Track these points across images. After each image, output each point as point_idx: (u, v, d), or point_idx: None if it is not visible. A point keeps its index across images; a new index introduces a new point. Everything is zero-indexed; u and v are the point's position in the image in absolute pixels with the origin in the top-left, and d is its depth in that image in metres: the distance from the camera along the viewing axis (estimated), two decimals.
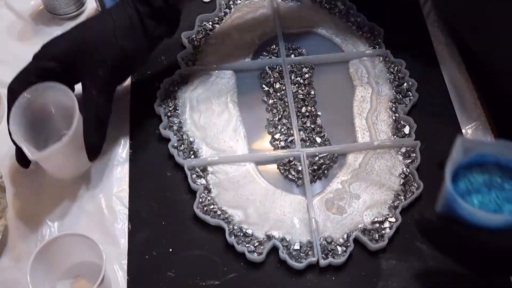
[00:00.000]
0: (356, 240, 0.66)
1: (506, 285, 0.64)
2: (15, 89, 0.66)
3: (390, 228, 0.66)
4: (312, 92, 0.78)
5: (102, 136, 0.68)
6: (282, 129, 0.74)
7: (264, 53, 0.82)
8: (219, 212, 0.68)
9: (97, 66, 0.67)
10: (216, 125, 0.75)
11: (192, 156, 0.72)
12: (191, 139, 0.74)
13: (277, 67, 0.80)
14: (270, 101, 0.77)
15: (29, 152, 0.63)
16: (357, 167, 0.71)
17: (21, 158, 0.67)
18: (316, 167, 0.71)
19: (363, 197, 0.69)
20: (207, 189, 0.70)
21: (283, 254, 0.65)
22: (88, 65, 0.67)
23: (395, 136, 0.73)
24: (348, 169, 0.71)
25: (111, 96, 0.70)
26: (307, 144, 0.73)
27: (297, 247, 0.65)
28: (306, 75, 0.79)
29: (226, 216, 0.68)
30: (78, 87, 0.69)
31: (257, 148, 0.73)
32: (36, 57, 0.67)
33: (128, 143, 0.75)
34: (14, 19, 0.88)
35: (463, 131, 0.75)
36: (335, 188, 0.70)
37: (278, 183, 0.71)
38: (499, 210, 0.56)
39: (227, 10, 0.86)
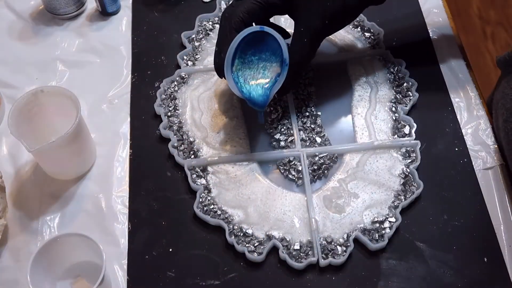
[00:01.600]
0: (356, 240, 0.66)
1: (506, 285, 0.64)
2: (235, 13, 0.67)
3: (390, 228, 0.66)
4: (312, 92, 0.78)
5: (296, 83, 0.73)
6: (282, 129, 0.74)
7: None
8: (219, 212, 0.68)
9: (317, 16, 0.67)
10: (217, 125, 0.75)
11: (192, 156, 0.72)
12: (191, 139, 0.74)
13: None
14: (270, 101, 0.77)
15: (27, 146, 0.63)
16: (354, 166, 0.71)
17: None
18: (316, 167, 0.71)
19: (362, 196, 0.69)
20: (207, 189, 0.70)
21: (283, 254, 0.65)
22: (308, 13, 0.67)
23: (395, 136, 0.73)
24: (345, 168, 0.71)
25: (318, 46, 0.70)
26: (307, 144, 0.73)
27: (297, 247, 0.65)
28: (306, 75, 0.79)
29: (226, 216, 0.68)
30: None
31: (257, 148, 0.73)
32: None
33: (128, 143, 0.75)
34: (14, 19, 0.88)
35: (463, 131, 0.75)
36: (332, 186, 0.70)
37: (278, 183, 0.71)
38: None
39: None
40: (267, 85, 0.69)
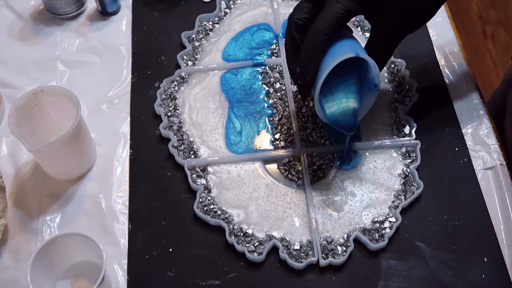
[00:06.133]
0: (356, 240, 0.66)
1: (506, 285, 0.64)
2: (317, 31, 0.61)
3: (390, 228, 0.66)
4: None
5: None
6: (282, 129, 0.74)
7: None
8: (219, 212, 0.68)
9: (395, 20, 0.64)
10: (210, 122, 0.75)
11: (192, 156, 0.72)
12: (191, 139, 0.74)
13: (277, 67, 0.80)
14: (270, 101, 0.77)
15: (27, 146, 0.63)
16: (354, 166, 0.71)
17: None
18: (316, 167, 0.71)
19: (359, 195, 0.69)
20: (207, 189, 0.70)
21: (283, 254, 0.65)
22: (387, 17, 0.64)
23: (395, 136, 0.73)
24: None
25: (395, 48, 0.68)
26: (307, 144, 0.73)
27: (297, 247, 0.65)
28: None
29: (226, 216, 0.68)
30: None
31: (257, 148, 0.73)
32: None
33: (128, 143, 0.75)
34: (14, 19, 0.88)
35: (463, 131, 0.75)
36: (327, 182, 0.70)
37: (278, 183, 0.71)
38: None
39: (227, 10, 0.87)
40: (354, 107, 0.66)
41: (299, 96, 0.74)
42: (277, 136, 0.74)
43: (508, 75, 0.79)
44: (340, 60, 0.60)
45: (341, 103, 0.67)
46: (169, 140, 0.74)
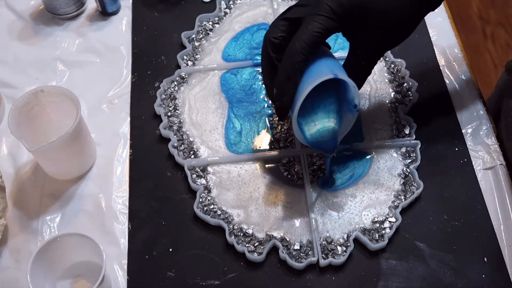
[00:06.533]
0: (356, 240, 0.66)
1: (506, 285, 0.64)
2: (295, 50, 0.59)
3: (390, 228, 0.66)
4: None
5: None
6: (282, 129, 0.74)
7: None
8: (219, 212, 0.68)
9: (374, 39, 0.63)
10: (209, 122, 0.75)
11: (192, 156, 0.72)
12: (191, 139, 0.74)
13: None
14: (270, 101, 0.77)
15: (27, 146, 0.63)
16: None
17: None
18: (316, 167, 0.71)
19: (359, 195, 0.69)
20: (207, 189, 0.70)
21: (283, 254, 0.65)
22: (366, 36, 0.63)
23: (395, 136, 0.73)
24: None
25: (373, 66, 0.66)
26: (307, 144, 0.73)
27: (297, 247, 0.65)
28: None
29: (226, 216, 0.68)
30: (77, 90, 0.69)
31: (257, 148, 0.73)
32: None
33: (128, 143, 0.75)
34: (14, 19, 0.88)
35: (463, 131, 0.75)
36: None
37: (278, 183, 0.70)
38: None
39: (227, 10, 0.87)
40: (334, 127, 0.65)
41: (276, 118, 0.73)
42: (277, 136, 0.74)
43: (501, 82, 0.79)
44: (318, 82, 0.59)
45: (320, 124, 0.65)
46: (169, 140, 0.74)
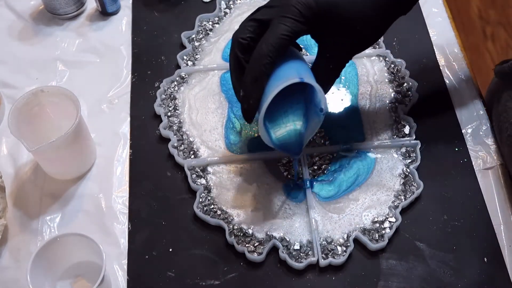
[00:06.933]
0: (356, 240, 0.66)
1: (506, 285, 0.64)
2: (262, 53, 0.59)
3: (390, 228, 0.66)
4: None
5: None
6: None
7: None
8: (219, 212, 0.68)
9: (343, 43, 0.63)
10: (209, 122, 0.75)
11: (192, 156, 0.72)
12: (191, 139, 0.74)
13: None
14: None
15: (27, 146, 0.63)
16: None
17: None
18: (316, 167, 0.71)
19: (361, 198, 0.69)
20: (207, 189, 0.70)
21: (283, 254, 0.65)
22: (335, 40, 0.62)
23: (395, 136, 0.73)
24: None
25: (342, 69, 0.65)
26: (307, 144, 0.73)
27: (297, 247, 0.65)
28: None
29: (226, 216, 0.68)
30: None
31: (257, 148, 0.73)
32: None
33: (128, 143, 0.75)
34: (14, 19, 0.88)
35: (463, 131, 0.75)
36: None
37: (278, 183, 0.70)
38: None
39: (227, 10, 0.87)
40: (300, 130, 0.65)
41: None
42: None
43: (492, 85, 0.79)
44: (284, 86, 0.58)
45: (287, 127, 0.65)
46: (169, 140, 0.74)
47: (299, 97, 0.65)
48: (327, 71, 0.64)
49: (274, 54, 0.58)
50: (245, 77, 0.60)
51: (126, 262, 0.66)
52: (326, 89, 0.65)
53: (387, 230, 0.66)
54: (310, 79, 0.60)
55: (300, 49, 0.67)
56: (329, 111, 0.76)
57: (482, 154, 0.73)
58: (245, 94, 0.60)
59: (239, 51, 0.61)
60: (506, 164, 0.71)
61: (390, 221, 0.67)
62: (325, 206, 0.68)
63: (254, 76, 0.59)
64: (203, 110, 0.76)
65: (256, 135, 0.74)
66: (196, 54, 0.82)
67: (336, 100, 0.77)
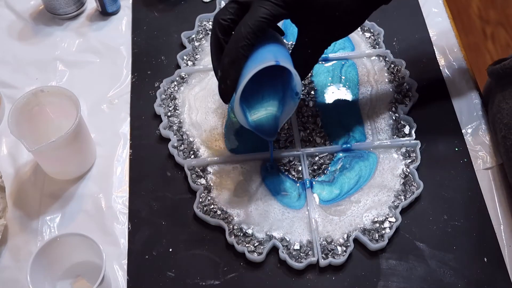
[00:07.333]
0: (356, 240, 0.66)
1: (506, 285, 0.64)
2: (240, 34, 0.60)
3: (390, 228, 0.66)
4: (312, 92, 0.78)
5: None
6: (282, 129, 0.74)
7: None
8: (219, 212, 0.68)
9: (322, 27, 0.63)
10: (209, 122, 0.75)
11: (192, 156, 0.72)
12: (191, 139, 0.74)
13: None
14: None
15: (27, 146, 0.63)
16: None
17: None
18: (316, 167, 0.71)
19: (363, 200, 0.69)
20: (207, 189, 0.70)
21: (283, 254, 0.65)
22: (313, 24, 0.63)
23: (395, 136, 0.73)
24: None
25: (321, 55, 0.66)
26: (307, 144, 0.73)
27: (297, 247, 0.65)
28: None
29: (226, 216, 0.68)
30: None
31: (257, 148, 0.73)
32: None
33: (128, 143, 0.75)
34: (14, 19, 0.88)
35: (463, 131, 0.75)
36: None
37: (278, 183, 0.70)
38: None
39: None
40: (276, 113, 0.66)
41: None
42: (277, 136, 0.74)
43: (488, 85, 0.79)
44: (260, 68, 0.58)
45: (264, 110, 0.66)
46: (169, 140, 0.74)
47: (277, 81, 0.65)
48: (305, 56, 0.65)
49: (252, 36, 0.59)
50: (223, 58, 0.61)
51: (126, 262, 0.66)
52: (303, 74, 0.66)
53: (387, 230, 0.66)
54: (286, 63, 0.60)
55: (283, 33, 0.67)
56: (329, 110, 0.76)
57: (482, 154, 0.73)
58: (222, 74, 0.61)
59: (220, 31, 0.62)
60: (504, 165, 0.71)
61: (390, 221, 0.67)
62: (326, 210, 0.68)
63: (232, 57, 0.60)
64: (203, 110, 0.76)
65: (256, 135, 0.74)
66: (196, 54, 0.82)
67: (337, 100, 0.77)
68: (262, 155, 0.72)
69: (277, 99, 0.66)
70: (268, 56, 0.60)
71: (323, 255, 0.65)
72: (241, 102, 0.62)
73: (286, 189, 0.69)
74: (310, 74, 0.79)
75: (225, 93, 0.62)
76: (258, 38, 0.60)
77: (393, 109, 0.76)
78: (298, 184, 0.70)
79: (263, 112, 0.66)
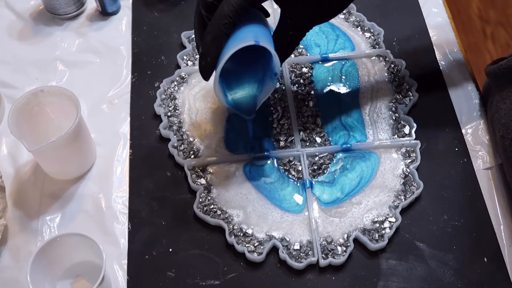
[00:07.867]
0: (356, 240, 0.66)
1: (506, 285, 0.64)
2: (223, 13, 0.60)
3: (390, 228, 0.66)
4: (312, 92, 0.78)
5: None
6: (282, 129, 0.74)
7: None
8: (219, 212, 0.68)
9: (304, 10, 0.64)
10: (209, 122, 0.75)
11: (192, 156, 0.72)
12: (191, 139, 0.74)
13: None
14: (270, 101, 0.77)
15: (27, 146, 0.63)
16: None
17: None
18: (316, 167, 0.71)
19: (364, 201, 0.69)
20: (207, 189, 0.70)
21: (283, 254, 0.65)
22: (296, 6, 0.64)
23: (395, 136, 0.73)
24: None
25: (302, 38, 0.67)
26: (307, 144, 0.73)
27: (297, 247, 0.65)
28: (306, 75, 0.79)
29: (226, 216, 0.68)
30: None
31: (257, 148, 0.73)
32: None
33: (128, 143, 0.75)
34: (14, 19, 0.88)
35: (463, 131, 0.75)
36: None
37: (278, 183, 0.70)
38: None
39: None
40: (254, 92, 0.67)
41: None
42: (277, 136, 0.74)
43: (486, 85, 0.79)
44: (240, 47, 0.59)
45: (243, 89, 0.67)
46: (169, 140, 0.74)
47: (258, 62, 0.66)
48: (287, 38, 0.66)
49: (235, 15, 0.59)
50: (205, 35, 0.61)
51: (126, 262, 0.66)
52: (284, 56, 0.67)
53: (387, 230, 0.66)
54: (266, 44, 0.61)
55: (268, 14, 0.67)
56: (329, 110, 0.76)
57: (482, 154, 0.73)
58: (203, 51, 0.61)
59: (203, 8, 0.62)
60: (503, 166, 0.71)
61: (390, 221, 0.67)
62: (327, 212, 0.68)
63: (213, 35, 0.60)
64: (203, 110, 0.76)
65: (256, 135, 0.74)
66: (196, 54, 0.82)
67: (337, 100, 0.77)
68: (262, 155, 0.72)
69: (257, 80, 0.67)
70: (249, 36, 0.60)
71: (323, 255, 0.65)
72: (220, 81, 0.63)
73: (269, 175, 0.70)
74: (310, 74, 0.79)
75: (205, 70, 0.62)
76: (240, 16, 0.60)
77: (393, 109, 0.76)
78: (298, 185, 0.70)
79: (242, 92, 0.67)
